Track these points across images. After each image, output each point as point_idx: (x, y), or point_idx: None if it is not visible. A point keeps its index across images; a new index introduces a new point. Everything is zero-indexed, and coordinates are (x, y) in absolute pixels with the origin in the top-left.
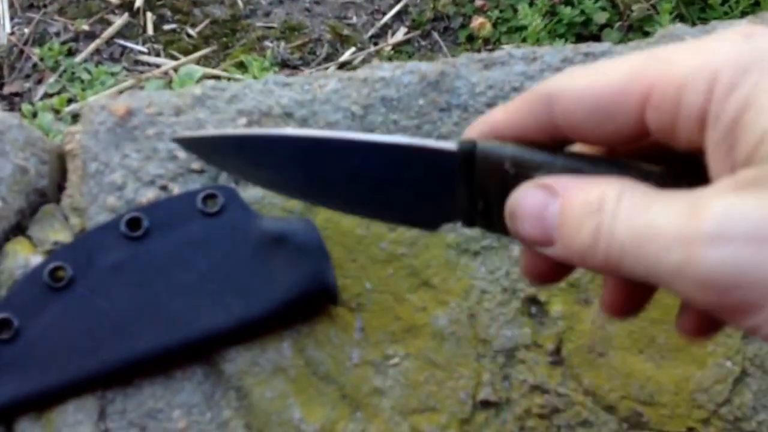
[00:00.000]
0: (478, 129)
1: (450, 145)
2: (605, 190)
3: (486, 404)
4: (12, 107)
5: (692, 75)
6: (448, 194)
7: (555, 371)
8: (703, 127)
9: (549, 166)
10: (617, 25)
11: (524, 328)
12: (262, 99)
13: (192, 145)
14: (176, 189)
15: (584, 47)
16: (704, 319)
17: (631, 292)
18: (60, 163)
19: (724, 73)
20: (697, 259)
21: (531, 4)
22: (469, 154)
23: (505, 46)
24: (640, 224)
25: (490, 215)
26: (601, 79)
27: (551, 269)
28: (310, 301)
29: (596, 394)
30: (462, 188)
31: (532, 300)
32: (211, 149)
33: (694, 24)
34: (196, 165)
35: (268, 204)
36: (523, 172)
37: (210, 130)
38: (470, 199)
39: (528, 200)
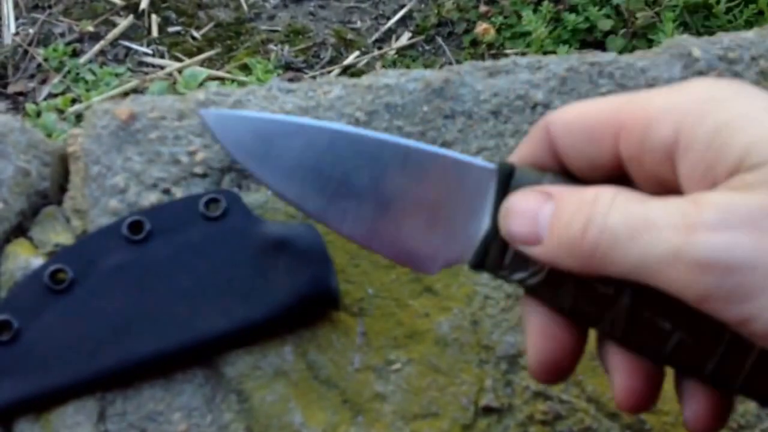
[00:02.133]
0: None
1: (488, 163)
2: (601, 189)
3: (488, 410)
4: (16, 107)
5: (658, 114)
6: (471, 217)
7: None
8: (669, 157)
9: None
10: (621, 32)
11: None
12: (266, 105)
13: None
14: (179, 193)
15: (590, 57)
16: (712, 406)
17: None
18: (62, 165)
19: (693, 108)
20: (697, 242)
21: (535, 11)
22: (507, 173)
23: (509, 53)
24: (635, 213)
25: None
26: (588, 111)
27: (561, 355)
28: (312, 306)
29: (599, 401)
30: (489, 212)
31: None
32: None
33: (698, 33)
34: (199, 169)
35: (270, 209)
36: None
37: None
38: (495, 221)
39: (523, 201)
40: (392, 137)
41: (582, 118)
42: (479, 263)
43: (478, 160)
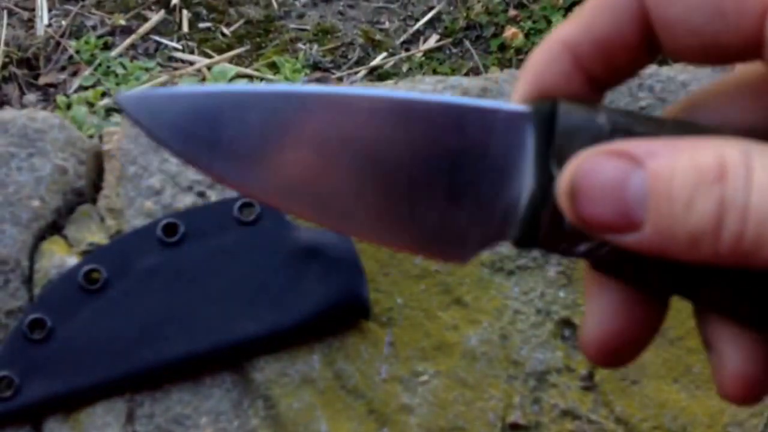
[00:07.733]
0: (546, 48)
1: (517, 106)
2: (724, 152)
3: (515, 427)
4: (47, 98)
5: None
6: (506, 179)
7: (587, 397)
8: None
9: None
10: None
11: (557, 351)
12: None
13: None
14: (213, 196)
15: None
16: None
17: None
18: (97, 162)
19: None
20: None
21: (565, 16)
22: (548, 114)
23: None
24: None
25: None
26: None
27: (628, 340)
28: (342, 314)
29: (628, 423)
30: (531, 169)
31: (566, 322)
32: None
33: None
34: None
35: None
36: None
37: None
38: (541, 180)
39: (597, 171)
40: (381, 91)
41: None
42: (529, 238)
43: (505, 104)
